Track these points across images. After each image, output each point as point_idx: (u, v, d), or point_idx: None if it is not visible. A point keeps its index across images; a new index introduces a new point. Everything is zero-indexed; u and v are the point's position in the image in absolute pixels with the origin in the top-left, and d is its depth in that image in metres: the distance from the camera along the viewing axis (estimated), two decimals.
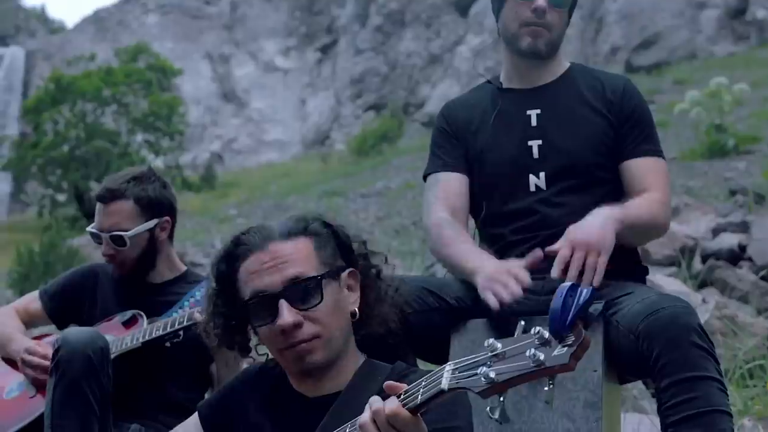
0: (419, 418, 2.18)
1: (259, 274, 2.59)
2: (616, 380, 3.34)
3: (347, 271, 2.67)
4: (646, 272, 3.64)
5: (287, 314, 2.54)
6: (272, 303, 2.56)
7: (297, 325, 2.54)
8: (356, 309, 2.66)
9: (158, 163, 42.33)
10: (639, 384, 5.11)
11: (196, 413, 2.90)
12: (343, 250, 2.69)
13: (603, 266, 3.17)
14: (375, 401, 2.21)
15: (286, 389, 2.71)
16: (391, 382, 2.25)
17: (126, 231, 4.13)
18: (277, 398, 2.69)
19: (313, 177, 34.74)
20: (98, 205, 4.21)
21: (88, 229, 4.28)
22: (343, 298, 2.64)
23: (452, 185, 3.64)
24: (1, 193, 52.73)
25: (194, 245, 19.72)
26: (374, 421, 2.19)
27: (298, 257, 2.59)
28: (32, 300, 4.50)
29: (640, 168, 3.53)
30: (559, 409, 3.11)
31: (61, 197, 43.91)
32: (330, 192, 26.36)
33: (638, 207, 3.41)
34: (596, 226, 3.23)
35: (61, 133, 43.70)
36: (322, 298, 2.57)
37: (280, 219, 2.73)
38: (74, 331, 3.81)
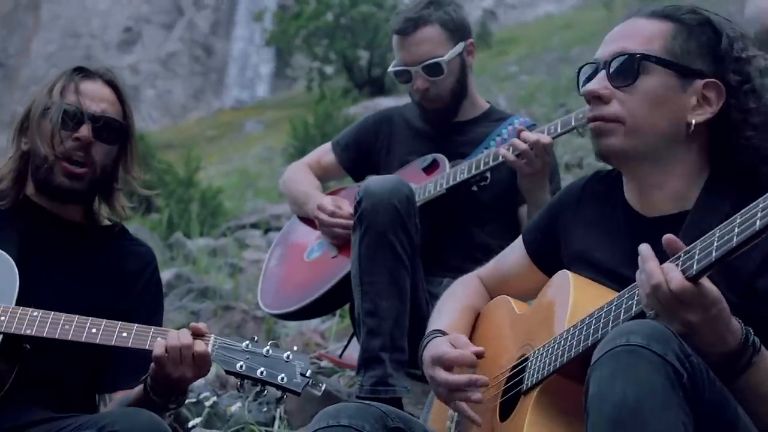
0: (706, 287, 2.13)
1: (604, 40, 2.63)
2: None
3: (704, 81, 2.49)
4: None
5: (593, 82, 2.56)
6: (595, 71, 2.59)
7: (599, 98, 2.53)
8: (694, 121, 2.49)
9: None
10: None
11: (520, 237, 2.94)
12: (712, 53, 2.51)
13: None
14: (654, 273, 2.16)
15: (621, 207, 2.65)
16: (670, 235, 2.20)
17: (440, 57, 4.03)
18: (611, 215, 2.66)
19: (598, 26, 34.01)
20: (399, 40, 4.16)
21: (391, 69, 4.23)
22: (678, 100, 2.50)
23: None
24: (264, 70, 54.33)
25: None
26: (655, 296, 2.16)
27: (641, 35, 2.54)
28: (325, 152, 4.49)
29: None
30: None
31: (329, 69, 44.76)
32: None
33: None
34: None
35: (323, 1, 44.35)
36: (634, 80, 2.50)
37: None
38: (376, 181, 3.77)
